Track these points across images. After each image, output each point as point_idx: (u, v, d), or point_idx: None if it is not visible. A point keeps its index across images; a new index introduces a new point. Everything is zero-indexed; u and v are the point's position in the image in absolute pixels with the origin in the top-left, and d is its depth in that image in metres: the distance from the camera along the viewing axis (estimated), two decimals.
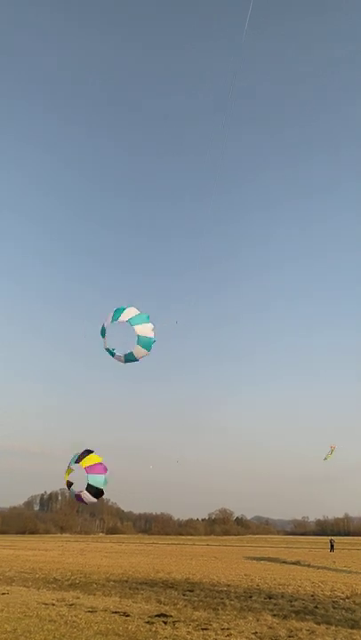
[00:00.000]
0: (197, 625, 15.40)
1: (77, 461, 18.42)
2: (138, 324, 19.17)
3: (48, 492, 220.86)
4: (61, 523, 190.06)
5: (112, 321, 19.14)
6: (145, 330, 19.03)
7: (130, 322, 19.09)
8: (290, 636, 14.15)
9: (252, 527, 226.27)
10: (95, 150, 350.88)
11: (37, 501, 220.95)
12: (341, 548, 75.45)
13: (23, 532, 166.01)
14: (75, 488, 19.36)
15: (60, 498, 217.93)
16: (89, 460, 18.36)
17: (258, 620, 16.34)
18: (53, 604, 18.87)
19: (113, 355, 18.99)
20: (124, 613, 17.17)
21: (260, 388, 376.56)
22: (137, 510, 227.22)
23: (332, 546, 70.02)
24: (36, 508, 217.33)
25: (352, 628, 15.56)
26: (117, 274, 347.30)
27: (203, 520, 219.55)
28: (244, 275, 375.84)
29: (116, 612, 17.32)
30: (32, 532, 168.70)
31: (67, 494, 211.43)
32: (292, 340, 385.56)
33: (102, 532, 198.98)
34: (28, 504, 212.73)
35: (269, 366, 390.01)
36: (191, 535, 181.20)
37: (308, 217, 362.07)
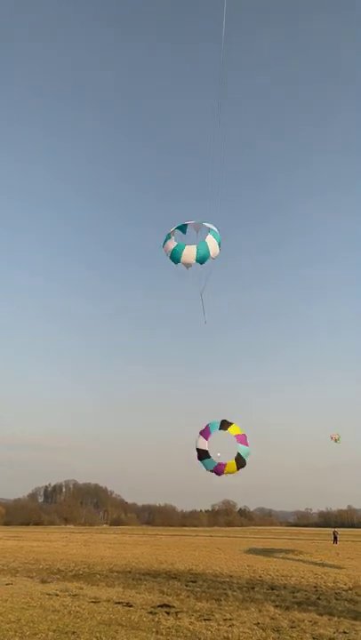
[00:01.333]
0: (200, 615, 15.47)
1: (222, 427, 18.35)
2: (213, 236, 18.34)
3: (52, 484, 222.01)
4: (65, 514, 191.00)
5: (179, 228, 18.48)
6: (213, 244, 18.18)
7: (211, 231, 18.33)
8: (292, 627, 14.19)
9: (255, 518, 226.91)
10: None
11: (42, 493, 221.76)
12: (345, 540, 75.57)
13: (27, 524, 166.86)
14: (215, 458, 19.21)
15: (64, 490, 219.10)
16: (235, 429, 18.41)
17: (260, 611, 16.40)
18: (57, 595, 19.00)
19: (179, 255, 17.98)
20: (127, 604, 17.27)
21: (264, 378, 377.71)
22: (140, 502, 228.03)
23: (335, 537, 70.11)
24: (41, 499, 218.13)
25: (355, 619, 15.60)
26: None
27: (206, 511, 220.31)
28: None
29: (119, 603, 17.42)
30: (36, 524, 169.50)
31: (71, 486, 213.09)
32: (297, 337, 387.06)
33: (106, 523, 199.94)
34: (33, 496, 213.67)
35: (273, 358, 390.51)
36: (194, 526, 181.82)
37: None
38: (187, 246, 17.89)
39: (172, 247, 18.15)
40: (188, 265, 18.17)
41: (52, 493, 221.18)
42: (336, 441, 49.33)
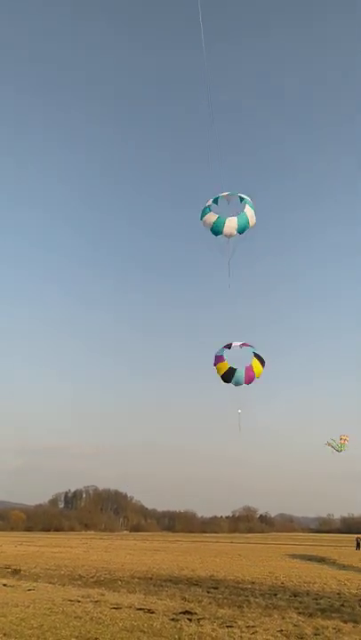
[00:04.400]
0: (222, 622, 15.34)
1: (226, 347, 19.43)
2: (250, 207, 18.83)
3: (72, 490, 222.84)
4: (86, 520, 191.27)
5: (214, 200, 19.01)
6: (251, 214, 18.69)
7: (231, 193, 18.86)
8: (316, 634, 14.01)
9: (276, 525, 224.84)
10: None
11: (62, 499, 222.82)
12: None
13: (48, 530, 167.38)
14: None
15: (84, 495, 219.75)
16: (257, 367, 19.46)
17: (283, 618, 16.21)
18: (79, 601, 18.99)
19: (221, 227, 18.64)
20: (149, 610, 17.20)
21: (285, 383, 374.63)
22: (160, 508, 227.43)
23: (358, 544, 69.08)
24: (61, 505, 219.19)
25: None
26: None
27: (227, 518, 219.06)
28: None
29: (140, 609, 17.36)
30: (57, 530, 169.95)
31: (91, 492, 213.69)
32: (322, 336, 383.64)
33: (126, 529, 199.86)
34: (53, 502, 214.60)
35: (295, 362, 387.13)
36: (215, 533, 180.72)
37: None
38: (228, 218, 18.46)
39: (214, 220, 18.67)
40: (229, 236, 18.83)
41: (72, 499, 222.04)
42: (338, 448, 45.71)
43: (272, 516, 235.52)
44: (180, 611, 17.22)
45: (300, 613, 17.20)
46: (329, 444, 45.56)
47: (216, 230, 18.80)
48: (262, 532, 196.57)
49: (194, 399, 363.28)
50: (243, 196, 19.18)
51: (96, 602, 18.91)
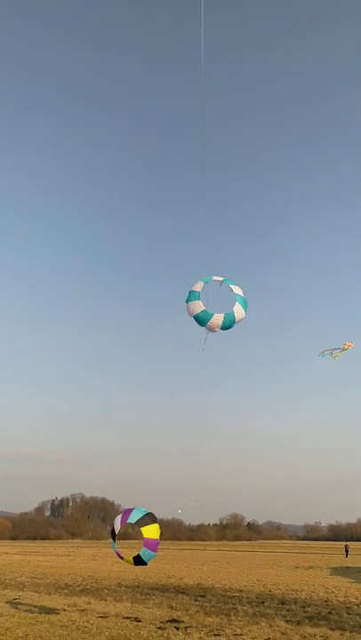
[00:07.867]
0: (210, 631, 15.24)
1: (138, 523, 17.33)
2: (232, 283, 18.19)
3: (59, 498, 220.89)
4: (72, 528, 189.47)
5: (204, 281, 18.18)
6: (239, 311, 17.93)
7: (224, 281, 18.18)
8: None
9: (263, 532, 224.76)
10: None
11: (48, 507, 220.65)
12: (355, 554, 74.57)
13: (34, 538, 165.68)
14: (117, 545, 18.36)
15: (70, 503, 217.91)
16: (150, 531, 17.43)
17: (271, 626, 16.14)
18: (65, 610, 18.78)
19: (206, 321, 17.68)
20: (136, 619, 17.05)
21: (274, 392, 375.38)
22: None
23: (347, 551, 69.31)
24: (47, 513, 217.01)
25: None
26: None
27: (214, 525, 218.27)
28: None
29: (127, 618, 17.20)
30: (43, 538, 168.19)
31: (78, 500, 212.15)
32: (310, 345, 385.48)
33: None
34: (39, 510, 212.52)
35: (285, 371, 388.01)
36: (202, 540, 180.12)
37: None
38: (215, 315, 17.72)
39: (199, 312, 17.91)
40: (212, 331, 18.13)
41: (58, 507, 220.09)
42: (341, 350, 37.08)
43: (260, 523, 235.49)
44: (167, 619, 17.08)
45: (287, 621, 17.14)
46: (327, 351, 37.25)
47: (198, 322, 18.13)
48: (250, 539, 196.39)
49: (180, 406, 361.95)
50: (234, 288, 18.27)
51: (82, 610, 18.72)
